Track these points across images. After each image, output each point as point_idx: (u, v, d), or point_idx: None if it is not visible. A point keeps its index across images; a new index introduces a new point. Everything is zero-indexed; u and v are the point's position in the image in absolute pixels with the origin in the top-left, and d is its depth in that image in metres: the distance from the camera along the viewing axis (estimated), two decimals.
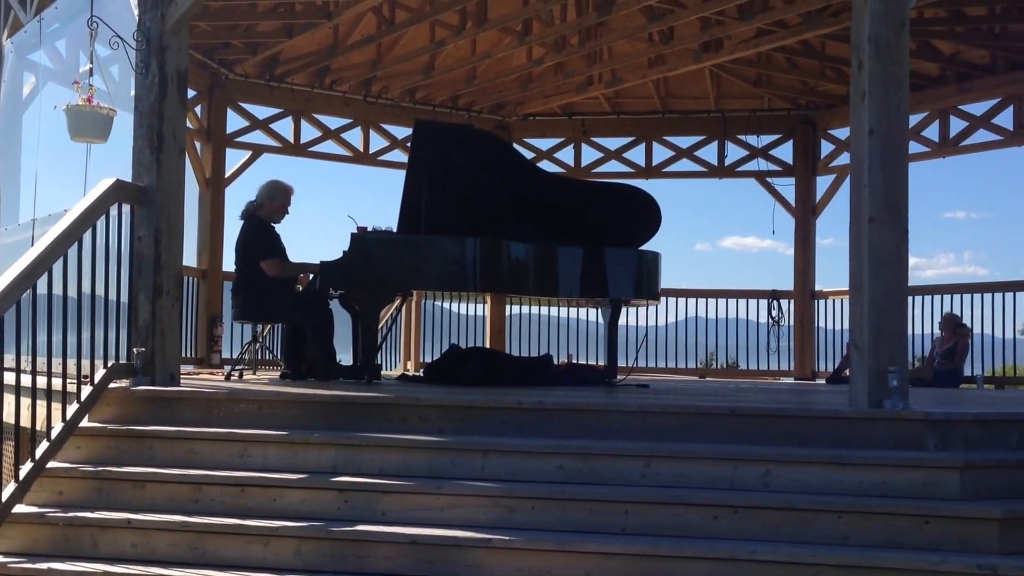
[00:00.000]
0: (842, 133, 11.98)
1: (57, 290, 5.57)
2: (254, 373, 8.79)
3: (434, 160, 7.59)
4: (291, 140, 11.91)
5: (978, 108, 11.12)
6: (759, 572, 4.60)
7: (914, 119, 11.37)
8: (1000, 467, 5.05)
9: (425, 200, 7.44)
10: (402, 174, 11.53)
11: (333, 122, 12.12)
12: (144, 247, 6.07)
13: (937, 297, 11.54)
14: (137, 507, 5.16)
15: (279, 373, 8.21)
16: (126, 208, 5.97)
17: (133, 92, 6.29)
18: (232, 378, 7.78)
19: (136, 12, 6.26)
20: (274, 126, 11.76)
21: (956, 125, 11.33)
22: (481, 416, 5.59)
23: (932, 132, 11.49)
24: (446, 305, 12.75)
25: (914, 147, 11.43)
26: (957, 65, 10.91)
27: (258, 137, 11.68)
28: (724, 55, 10.62)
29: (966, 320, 11.13)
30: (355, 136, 12.32)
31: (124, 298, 6.06)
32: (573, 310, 12.06)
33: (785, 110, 12.51)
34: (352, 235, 7.35)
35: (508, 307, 12.58)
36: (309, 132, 11.99)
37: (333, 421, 5.63)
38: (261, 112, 11.62)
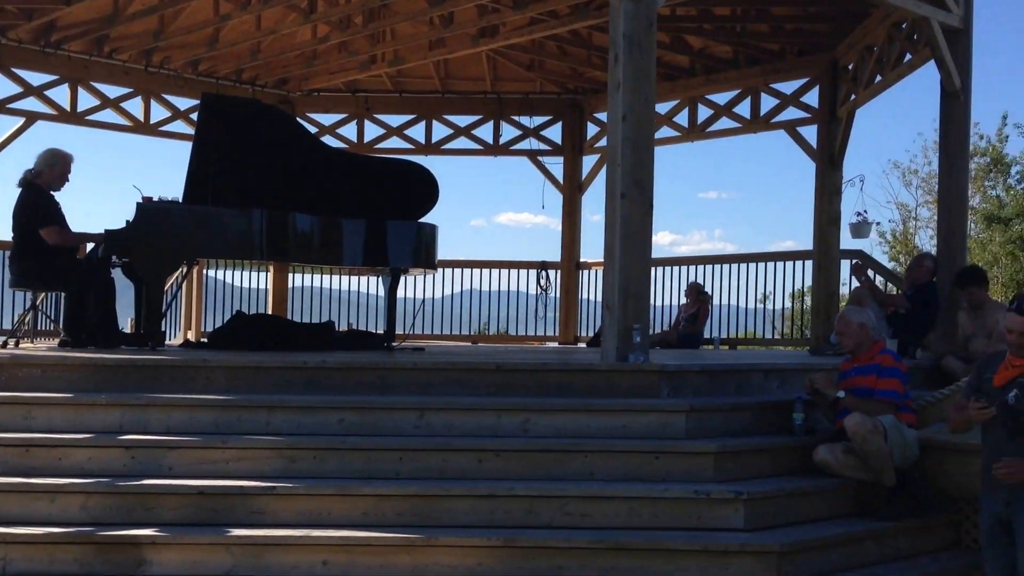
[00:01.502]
0: (606, 116, 12.83)
1: None
2: (32, 342, 8.78)
3: (221, 133, 7.86)
4: (68, 108, 11.73)
5: (722, 98, 12.16)
6: (516, 506, 5.29)
7: (667, 106, 12.41)
8: (717, 410, 5.95)
9: (212, 171, 7.71)
10: (186, 145, 11.64)
11: (112, 91, 11.96)
12: None
13: (686, 268, 12.69)
14: None
15: (58, 341, 8.26)
16: None
17: None
18: (8, 347, 7.78)
19: None
20: (49, 93, 11.54)
21: (703, 112, 12.32)
22: (267, 376, 6.02)
23: (682, 118, 12.45)
24: (228, 277, 12.91)
25: (667, 132, 12.49)
26: (705, 59, 11.90)
27: (32, 104, 11.43)
28: (500, 40, 11.24)
29: (710, 290, 12.31)
30: (135, 106, 12.22)
31: None
32: (354, 282, 12.54)
33: (556, 94, 13.30)
34: (138, 204, 7.53)
35: (290, 278, 12.89)
36: (87, 100, 11.82)
37: (120, 384, 5.92)
38: (36, 79, 11.39)
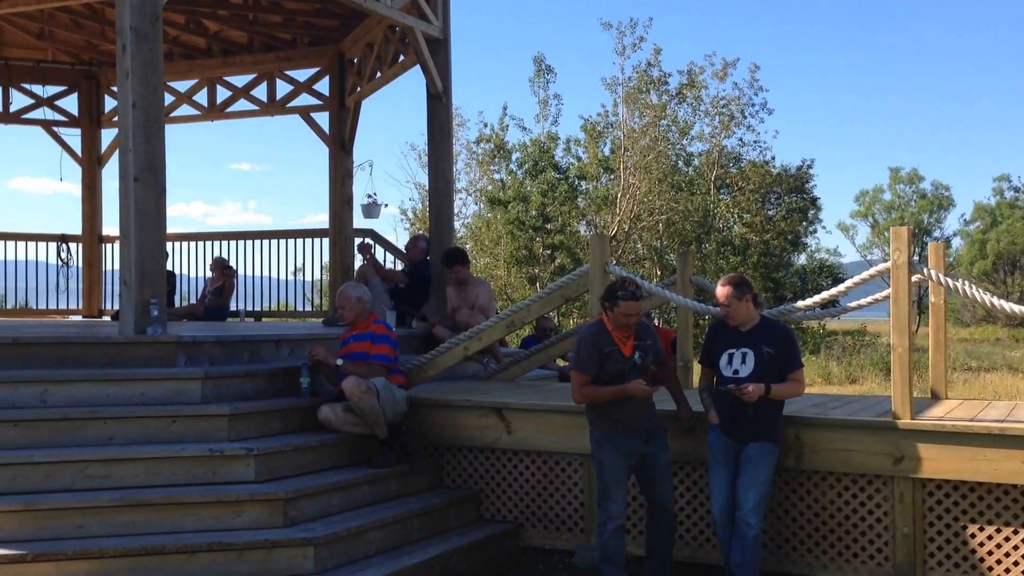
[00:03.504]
0: None
1: None
2: None
3: None
4: None
5: (240, 80, 12.66)
6: (35, 472, 5.58)
7: (187, 84, 12.73)
8: (232, 376, 6.57)
9: None
10: None
11: None
12: None
13: (216, 243, 13.07)
14: None
15: None
16: None
17: None
18: None
19: None
20: None
21: (222, 93, 12.76)
22: None
23: (202, 98, 12.84)
24: None
25: (188, 110, 12.81)
26: (221, 42, 12.32)
27: None
28: (5, 8, 10.83)
29: (239, 264, 12.80)
30: None
31: None
32: None
33: (70, 63, 13.02)
34: None
35: None
36: None
37: None
38: None
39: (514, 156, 29.61)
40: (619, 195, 27.52)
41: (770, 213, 30.32)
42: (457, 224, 29.35)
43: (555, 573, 6.45)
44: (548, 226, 27.56)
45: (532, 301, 7.74)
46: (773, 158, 30.87)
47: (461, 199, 30.14)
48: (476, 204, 30.76)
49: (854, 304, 7.02)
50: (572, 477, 6.82)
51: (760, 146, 30.65)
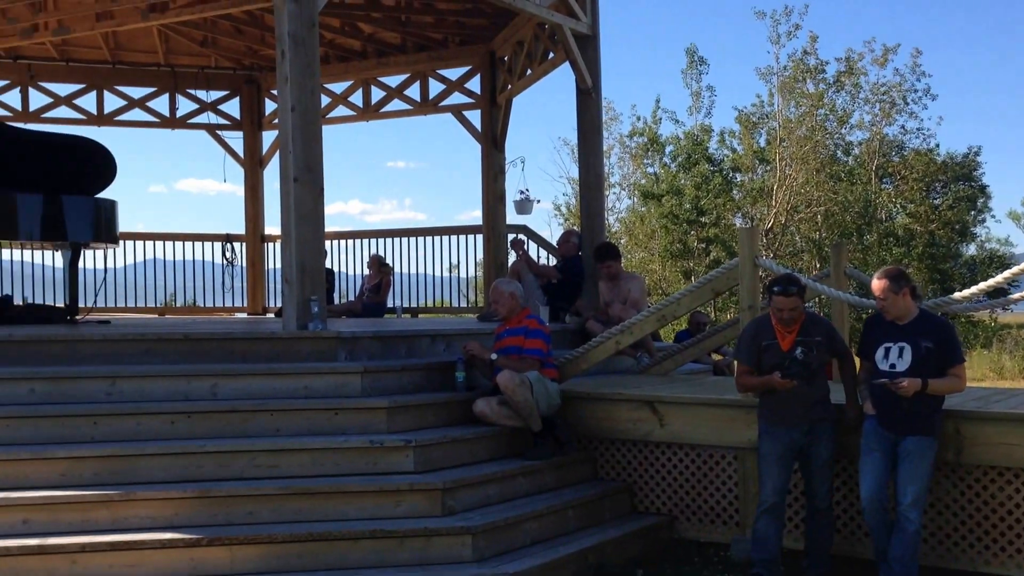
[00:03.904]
0: None
1: None
2: None
3: None
4: None
5: (393, 80, 12.91)
6: (208, 461, 5.83)
7: (342, 86, 13.08)
8: (390, 370, 6.73)
9: None
10: None
11: None
12: None
13: (373, 241, 13.40)
14: None
15: None
16: None
17: None
18: None
19: None
20: None
21: (377, 94, 13.05)
22: None
23: (357, 98, 13.15)
24: None
25: (343, 111, 13.17)
26: (375, 43, 12.59)
27: None
28: (170, 17, 11.31)
29: (396, 261, 13.10)
30: None
31: None
32: (27, 255, 12.26)
33: (232, 69, 13.56)
34: None
35: None
36: None
37: None
38: None
39: (667, 149, 29.32)
40: (775, 187, 26.94)
41: (936, 202, 29.10)
42: (611, 219, 29.31)
43: (710, 566, 6.37)
44: (702, 219, 27.21)
45: (682, 295, 7.67)
46: (937, 145, 29.59)
47: (614, 194, 30.06)
48: (630, 198, 30.63)
49: (1018, 296, 6.68)
50: (726, 470, 6.74)
51: (923, 133, 29.39)
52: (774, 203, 26.89)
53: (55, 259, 12.09)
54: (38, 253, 12.16)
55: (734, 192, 28.04)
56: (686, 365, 9.04)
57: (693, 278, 25.89)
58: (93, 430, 5.85)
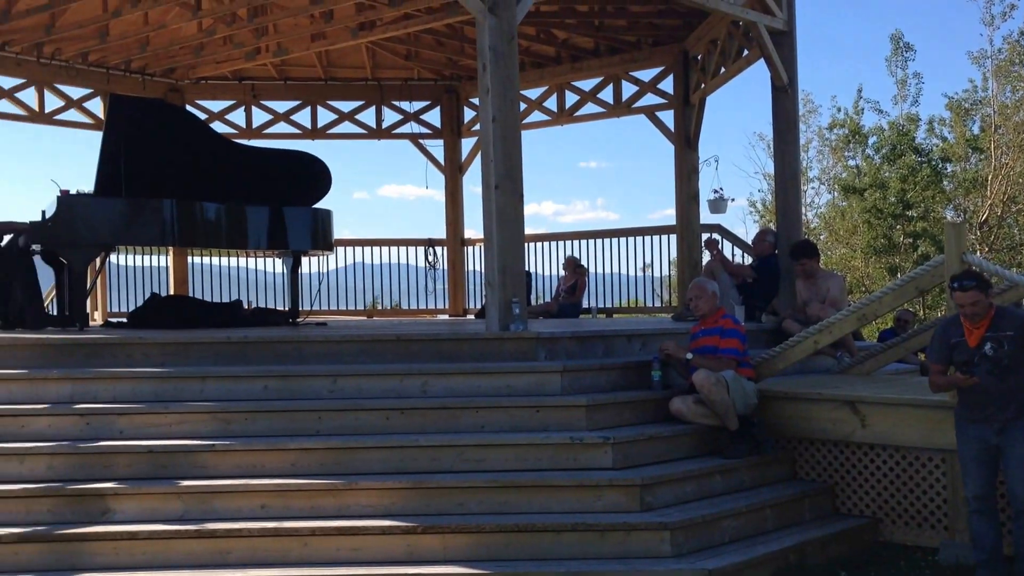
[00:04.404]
0: None
1: None
2: None
3: (130, 130, 8.50)
4: None
5: (587, 84, 13.20)
6: (421, 455, 6.22)
7: (537, 92, 13.43)
8: (588, 370, 6.98)
9: (124, 166, 8.35)
10: (80, 133, 12.22)
11: (6, 82, 12.34)
12: None
13: (567, 243, 13.73)
14: None
15: None
16: None
17: None
18: None
19: None
20: None
21: (571, 98, 13.38)
22: (197, 350, 6.82)
23: (551, 103, 13.49)
24: (127, 259, 13.33)
25: (538, 116, 13.52)
26: (569, 48, 12.89)
27: None
28: (377, 34, 11.95)
29: (590, 261, 13.38)
30: (30, 96, 12.61)
31: None
32: (250, 261, 13.19)
33: (433, 80, 14.16)
34: (59, 197, 8.14)
35: (190, 258, 13.47)
36: None
37: (67, 360, 6.64)
38: None
39: (870, 141, 28.36)
40: (990, 177, 25.66)
41: None
42: (810, 214, 28.63)
43: (917, 570, 6.29)
44: (909, 213, 26.18)
45: (884, 293, 7.57)
46: None
47: (813, 188, 29.34)
48: (829, 193, 29.78)
49: None
50: (933, 473, 6.64)
51: None
52: (989, 194, 25.64)
53: (275, 266, 13.00)
54: (262, 260, 13.03)
55: (944, 183, 26.90)
56: (891, 365, 8.89)
57: (899, 275, 25.01)
58: (318, 424, 6.35)
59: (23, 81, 12.47)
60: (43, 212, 8.39)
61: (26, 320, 8.21)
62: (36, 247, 8.50)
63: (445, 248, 14.41)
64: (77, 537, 5.53)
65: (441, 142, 14.38)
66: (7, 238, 8.65)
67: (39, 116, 12.69)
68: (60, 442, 6.03)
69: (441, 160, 14.37)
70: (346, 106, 14.15)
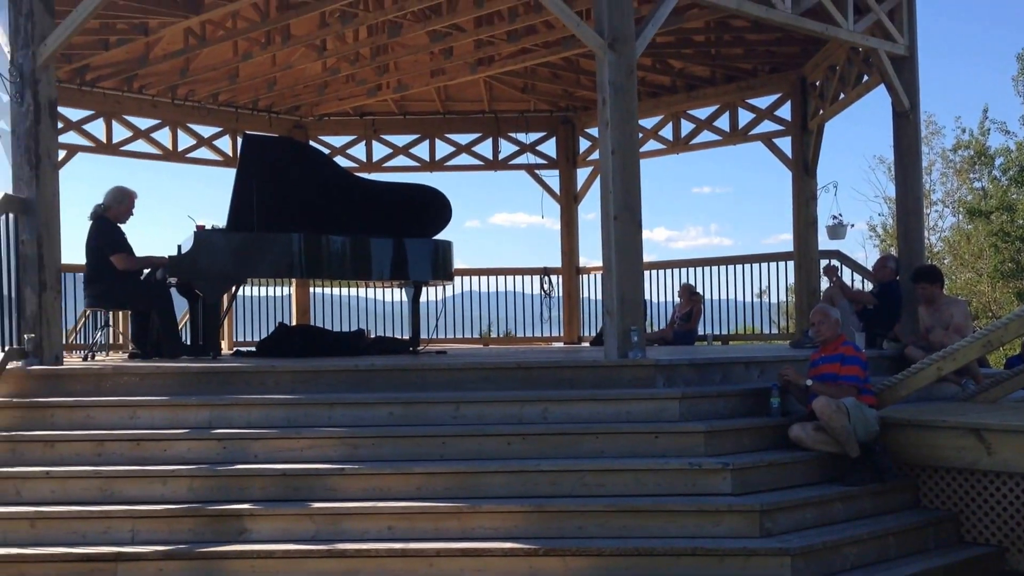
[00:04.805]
0: (597, 132, 13.88)
1: None
2: (106, 354, 9.82)
3: (261, 168, 8.90)
4: (104, 140, 12.76)
5: (702, 112, 13.26)
6: (542, 479, 6.36)
7: (652, 121, 13.53)
8: (706, 396, 7.03)
9: (255, 202, 8.75)
10: (210, 170, 12.83)
11: (143, 123, 13.02)
12: (28, 249, 7.21)
13: (681, 270, 13.76)
14: (50, 462, 6.40)
15: (128, 354, 9.29)
16: (9, 216, 7.09)
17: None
18: (87, 359, 8.79)
19: (7, 50, 7.31)
20: (87, 127, 12.58)
21: (686, 126, 13.43)
22: (325, 377, 7.10)
23: (667, 132, 13.56)
24: (251, 290, 13.87)
25: (653, 145, 13.60)
26: (685, 78, 13.00)
27: (72, 138, 12.45)
28: (495, 68, 12.29)
29: (705, 288, 13.38)
30: (164, 135, 13.27)
31: (6, 291, 7.12)
32: (369, 290, 13.60)
33: (549, 111, 14.37)
34: (195, 232, 8.58)
35: (311, 288, 13.94)
36: (120, 132, 12.86)
37: (204, 387, 6.99)
38: (74, 114, 12.41)
39: (996, 162, 27.57)
40: None
41: None
42: (932, 238, 27.95)
43: None
44: None
45: (1011, 319, 7.45)
46: None
47: (936, 211, 28.64)
48: (954, 216, 29.03)
49: None
50: None
51: None
52: None
53: (392, 294, 13.37)
54: (380, 289, 13.38)
55: None
56: (1017, 392, 8.70)
57: None
58: (442, 449, 6.55)
59: (158, 122, 13.15)
60: (179, 247, 8.83)
61: (163, 349, 8.63)
62: (172, 280, 8.92)
63: (560, 276, 14.58)
64: (216, 555, 5.82)
65: (556, 172, 14.58)
66: (146, 271, 9.11)
67: (172, 154, 13.34)
68: (199, 465, 6.35)
69: (556, 189, 14.56)
70: (463, 138, 14.49)
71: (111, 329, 10.51)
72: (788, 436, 6.96)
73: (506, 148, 14.47)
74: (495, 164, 14.55)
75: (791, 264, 12.50)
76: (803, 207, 12.16)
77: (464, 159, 14.57)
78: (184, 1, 10.33)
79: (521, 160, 14.57)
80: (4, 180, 7.53)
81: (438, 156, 14.49)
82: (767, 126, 12.69)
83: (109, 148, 12.83)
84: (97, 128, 12.66)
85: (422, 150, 14.47)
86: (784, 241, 13.35)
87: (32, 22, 7.31)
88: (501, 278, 14.78)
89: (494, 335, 15.62)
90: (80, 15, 7.38)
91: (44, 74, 7.32)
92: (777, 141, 12.56)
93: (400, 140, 14.45)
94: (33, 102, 7.25)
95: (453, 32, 11.27)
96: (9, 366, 6.91)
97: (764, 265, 13.01)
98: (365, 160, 14.40)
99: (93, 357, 9.02)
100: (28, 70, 7.25)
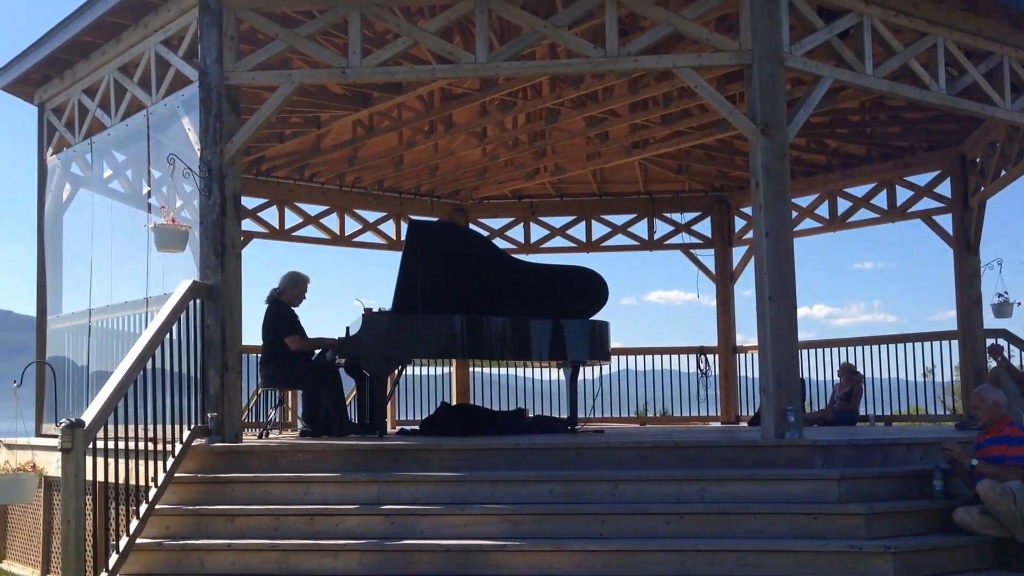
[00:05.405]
0: (751, 211, 13.88)
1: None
2: (279, 432, 10.37)
3: (425, 251, 9.33)
4: (276, 226, 13.58)
5: (859, 190, 13.21)
6: (700, 558, 6.43)
7: (808, 200, 13.53)
8: (866, 478, 6.98)
9: (420, 284, 9.17)
10: (375, 253, 13.41)
11: (312, 209, 13.81)
12: (212, 332, 7.75)
13: (841, 349, 13.55)
14: (230, 535, 6.81)
15: (299, 432, 9.78)
16: (196, 301, 7.66)
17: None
18: (262, 437, 9.31)
19: (198, 147, 7.96)
20: (261, 214, 13.43)
21: (842, 204, 13.38)
22: (488, 456, 7.36)
23: (823, 210, 13.53)
24: (413, 369, 14.31)
25: (810, 223, 13.56)
26: (840, 156, 13.01)
27: (248, 225, 13.28)
28: (650, 151, 12.56)
29: (866, 367, 13.13)
30: (332, 221, 14.02)
31: (191, 372, 7.65)
32: (524, 369, 13.87)
33: (703, 191, 14.54)
34: (363, 315, 9.04)
35: (471, 368, 14.33)
36: (292, 219, 13.68)
37: (373, 464, 7.33)
38: (250, 203, 13.26)
39: None
40: None
41: None
42: None
43: None
44: None
45: None
46: None
47: None
48: None
49: None
50: None
51: None
52: None
53: (549, 374, 13.61)
54: (540, 369, 13.65)
55: None
56: None
57: None
58: (601, 527, 6.69)
59: (327, 208, 13.89)
60: (347, 328, 9.29)
61: (333, 428, 9.06)
62: (341, 360, 9.38)
63: (717, 355, 14.57)
64: None
65: (712, 251, 14.66)
66: (316, 352, 9.60)
67: (340, 239, 14.05)
68: (368, 540, 6.65)
69: (712, 268, 14.63)
70: (619, 219, 14.76)
71: (283, 407, 11.08)
72: (953, 520, 6.83)
73: (661, 228, 14.70)
74: (650, 244, 14.73)
75: (956, 343, 12.19)
76: (966, 285, 11.91)
77: (620, 239, 14.82)
78: (354, 95, 11.00)
79: (676, 240, 14.72)
80: (186, 265, 8.11)
81: (594, 237, 14.78)
82: (926, 203, 12.54)
83: (281, 234, 13.61)
84: (271, 215, 13.51)
85: (579, 231, 14.80)
86: (952, 317, 13.03)
87: (221, 121, 7.94)
88: (657, 357, 14.88)
89: (651, 414, 15.63)
90: (264, 114, 7.98)
91: (230, 169, 7.93)
92: (937, 218, 12.38)
93: (557, 221, 14.81)
94: (220, 195, 7.86)
95: (609, 117, 11.63)
96: (194, 443, 7.40)
97: (929, 343, 12.71)
98: (523, 241, 14.79)
99: (267, 435, 9.53)
100: (216, 166, 7.86)
